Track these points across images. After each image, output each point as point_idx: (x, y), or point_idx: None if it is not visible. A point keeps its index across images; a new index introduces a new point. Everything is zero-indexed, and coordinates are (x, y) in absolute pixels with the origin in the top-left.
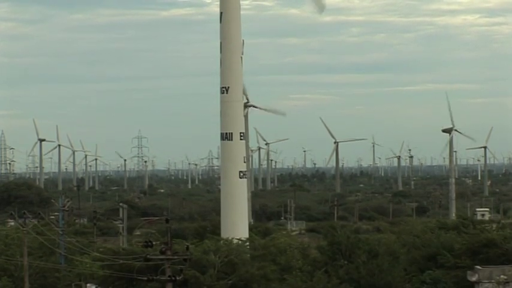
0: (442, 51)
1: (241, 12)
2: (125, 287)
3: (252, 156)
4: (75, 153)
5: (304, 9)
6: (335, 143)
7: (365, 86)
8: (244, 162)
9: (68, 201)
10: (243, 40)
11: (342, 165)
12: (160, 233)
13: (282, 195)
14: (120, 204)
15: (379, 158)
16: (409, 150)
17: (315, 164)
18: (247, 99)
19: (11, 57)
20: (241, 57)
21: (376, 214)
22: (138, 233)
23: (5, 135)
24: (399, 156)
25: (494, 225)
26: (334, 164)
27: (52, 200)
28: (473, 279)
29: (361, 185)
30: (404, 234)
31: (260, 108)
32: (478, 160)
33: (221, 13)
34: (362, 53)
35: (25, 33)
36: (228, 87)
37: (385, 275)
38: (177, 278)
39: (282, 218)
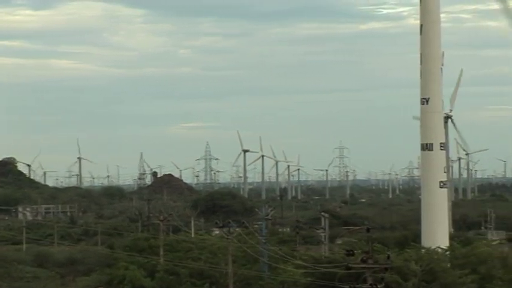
0: None
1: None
2: None
3: (452, 166)
4: (278, 163)
5: (502, 20)
6: None
7: None
8: (445, 172)
9: (271, 210)
10: (443, 52)
11: None
12: (362, 242)
13: (482, 205)
14: (322, 213)
15: None
16: None
17: None
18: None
19: (216, 70)
20: (441, 69)
21: None
22: (339, 241)
23: (210, 146)
24: None
25: None
26: None
27: (256, 209)
28: None
29: None
30: None
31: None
32: None
33: (421, 25)
34: None
35: (229, 47)
36: (428, 98)
37: None
38: (379, 287)
39: (482, 227)
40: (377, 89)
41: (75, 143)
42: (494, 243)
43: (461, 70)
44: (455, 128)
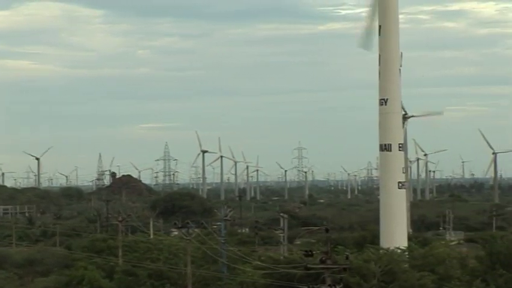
0: None
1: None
2: None
3: (410, 167)
4: (237, 164)
5: (460, 21)
6: (493, 153)
7: None
8: (403, 173)
9: (230, 211)
10: (401, 52)
11: (500, 176)
12: (319, 244)
13: (440, 205)
14: (281, 214)
15: None
16: None
17: (473, 174)
18: (405, 111)
19: (175, 71)
20: (400, 70)
21: None
22: (298, 242)
23: (169, 147)
24: None
25: None
26: (493, 175)
27: (215, 210)
28: None
29: None
30: None
31: (418, 116)
32: None
33: (380, 26)
34: None
35: (187, 47)
36: (387, 99)
37: None
38: (337, 287)
39: (441, 228)
40: (336, 90)
41: (34, 143)
42: (452, 243)
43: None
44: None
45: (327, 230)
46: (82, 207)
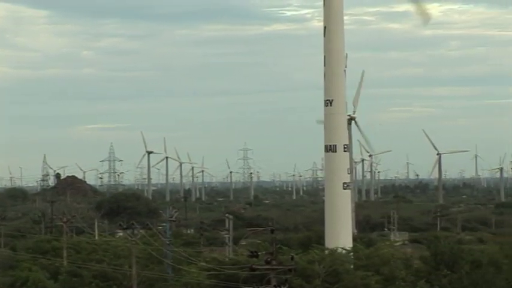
0: None
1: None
2: None
3: (355, 167)
4: (182, 165)
5: (405, 23)
6: (438, 154)
7: (466, 98)
8: (348, 173)
9: (176, 212)
10: (346, 53)
11: (445, 177)
12: (266, 244)
13: (385, 206)
14: (226, 214)
15: (482, 170)
16: None
17: (417, 175)
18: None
19: (120, 71)
20: (345, 71)
21: (478, 225)
22: (243, 243)
23: (114, 148)
24: (502, 168)
25: None
26: (437, 176)
27: (160, 211)
28: None
29: (464, 196)
30: (507, 244)
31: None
32: None
33: (325, 27)
34: (462, 66)
35: (133, 48)
36: (332, 100)
37: (488, 285)
38: None
39: (385, 228)
40: (282, 91)
41: None
42: (397, 244)
43: (363, 72)
44: (360, 130)
45: (272, 231)
46: (27, 208)
